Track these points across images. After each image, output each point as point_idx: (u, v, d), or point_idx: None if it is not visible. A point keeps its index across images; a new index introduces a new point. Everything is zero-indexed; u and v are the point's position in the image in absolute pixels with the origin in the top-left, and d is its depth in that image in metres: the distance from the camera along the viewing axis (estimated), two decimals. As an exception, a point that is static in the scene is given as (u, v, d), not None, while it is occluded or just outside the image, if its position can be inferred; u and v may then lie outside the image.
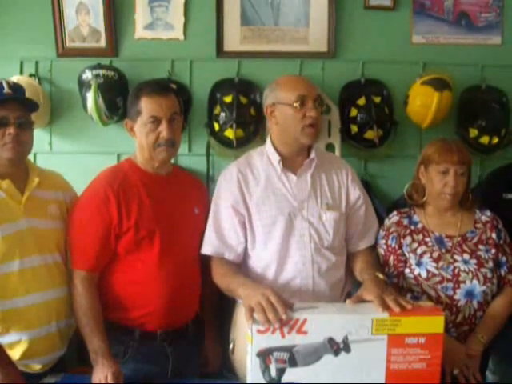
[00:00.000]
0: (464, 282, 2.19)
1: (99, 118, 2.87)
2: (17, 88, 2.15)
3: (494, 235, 2.29)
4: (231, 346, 2.22)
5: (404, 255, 2.28)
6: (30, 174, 2.18)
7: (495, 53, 3.05)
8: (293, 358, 1.78)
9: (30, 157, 2.31)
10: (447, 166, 2.23)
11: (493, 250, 2.26)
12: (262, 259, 2.23)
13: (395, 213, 2.40)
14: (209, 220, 2.29)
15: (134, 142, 2.32)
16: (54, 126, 3.10)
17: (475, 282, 2.19)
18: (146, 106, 2.20)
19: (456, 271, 2.20)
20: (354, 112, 2.94)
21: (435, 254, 2.24)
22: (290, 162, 2.28)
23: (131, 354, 2.20)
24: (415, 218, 2.36)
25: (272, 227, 2.21)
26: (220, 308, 2.48)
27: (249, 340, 1.78)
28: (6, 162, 2.08)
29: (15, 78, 2.85)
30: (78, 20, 3.04)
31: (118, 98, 2.90)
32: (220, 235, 2.25)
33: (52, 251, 2.17)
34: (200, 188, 2.54)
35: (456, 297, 2.18)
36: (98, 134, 3.06)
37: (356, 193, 2.35)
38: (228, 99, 2.92)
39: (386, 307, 1.83)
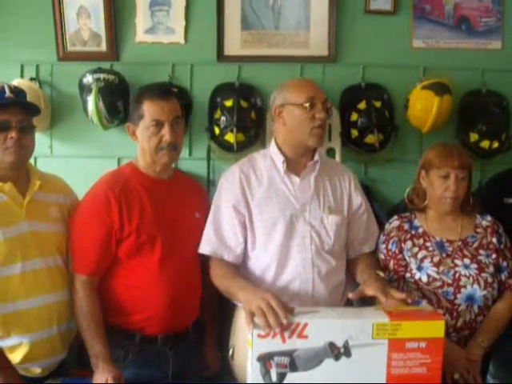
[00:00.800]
0: (465, 286, 2.19)
1: (100, 121, 2.87)
2: (18, 92, 2.15)
3: (494, 240, 2.29)
4: (231, 351, 2.21)
5: (404, 260, 2.28)
6: (31, 178, 2.18)
7: (495, 57, 3.05)
8: (293, 363, 1.78)
9: (31, 160, 2.31)
10: (448, 171, 2.23)
11: (493, 255, 2.26)
12: (262, 260, 2.23)
13: (396, 217, 2.41)
14: (208, 219, 2.29)
15: (134, 145, 2.32)
16: (54, 129, 3.09)
17: (476, 286, 2.19)
18: (149, 109, 2.20)
19: (456, 276, 2.20)
20: (354, 116, 2.94)
21: (436, 259, 2.24)
22: (294, 164, 2.27)
23: (132, 358, 2.19)
24: (416, 222, 2.36)
25: (273, 228, 2.20)
26: (220, 312, 2.48)
27: (249, 344, 1.78)
28: (8, 165, 2.08)
29: (16, 82, 2.83)
30: (79, 24, 3.05)
31: (118, 102, 2.90)
32: (219, 235, 2.25)
33: (53, 254, 2.17)
34: (201, 192, 2.55)
35: (456, 301, 2.18)
36: (99, 137, 3.06)
37: (358, 200, 2.35)
38: (228, 103, 2.92)
39: (388, 297, 1.86)
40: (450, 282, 2.20)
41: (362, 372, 1.80)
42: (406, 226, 2.35)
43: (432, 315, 1.90)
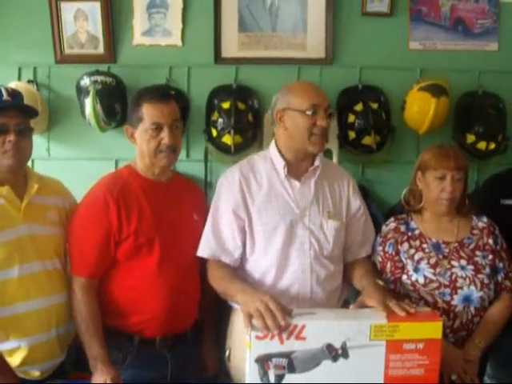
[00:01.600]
0: (461, 287, 2.20)
1: (97, 124, 2.87)
2: (15, 95, 2.15)
3: (490, 241, 2.30)
4: (227, 353, 2.22)
5: (401, 261, 2.29)
6: (29, 181, 2.18)
7: (492, 59, 3.06)
8: (291, 364, 1.79)
9: (28, 163, 2.31)
10: (444, 172, 2.24)
11: (490, 256, 2.27)
12: (261, 265, 2.22)
13: (392, 219, 2.41)
14: (207, 222, 2.28)
15: (132, 148, 2.32)
16: (52, 132, 3.10)
17: (472, 287, 2.20)
18: (148, 112, 2.20)
19: (453, 277, 2.21)
20: (351, 118, 2.94)
21: (432, 260, 2.25)
22: (294, 169, 2.26)
23: (130, 361, 2.20)
24: (412, 224, 2.37)
25: (273, 233, 2.20)
26: (218, 313, 2.48)
27: (247, 346, 1.78)
28: (6, 169, 2.08)
29: (13, 84, 2.84)
30: (76, 26, 3.04)
31: (116, 104, 2.90)
32: (218, 238, 2.24)
33: (51, 257, 2.17)
34: (199, 194, 2.55)
35: (453, 302, 2.19)
36: (96, 139, 3.06)
37: (357, 203, 2.35)
38: (226, 105, 2.92)
39: (389, 312, 1.84)
40: (446, 283, 2.20)
41: (359, 373, 1.81)
42: (403, 228, 2.36)
43: (429, 316, 1.91)
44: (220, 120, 2.92)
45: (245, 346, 1.80)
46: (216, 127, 2.93)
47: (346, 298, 2.37)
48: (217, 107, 2.96)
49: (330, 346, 1.78)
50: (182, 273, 2.26)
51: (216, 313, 2.48)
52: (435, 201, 2.29)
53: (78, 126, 3.06)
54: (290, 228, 2.19)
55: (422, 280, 2.22)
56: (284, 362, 1.79)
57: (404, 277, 2.27)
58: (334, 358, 1.79)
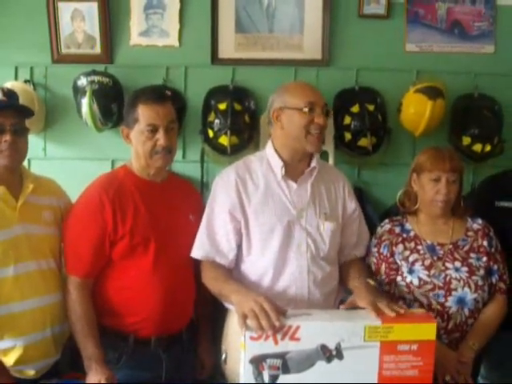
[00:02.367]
0: (455, 289, 2.20)
1: (94, 124, 2.87)
2: (11, 94, 2.16)
3: (485, 243, 2.30)
4: (223, 355, 2.21)
5: (396, 263, 2.29)
6: (24, 181, 2.18)
7: (488, 61, 3.06)
8: (286, 365, 1.79)
9: (25, 163, 2.31)
10: (439, 174, 2.25)
11: (484, 258, 2.28)
12: (259, 266, 2.22)
13: (387, 221, 2.42)
14: (202, 223, 2.27)
15: (128, 148, 2.33)
16: (48, 131, 3.09)
17: (466, 289, 2.20)
18: (144, 113, 2.20)
19: (447, 279, 2.21)
20: (347, 119, 2.94)
21: (427, 262, 2.25)
22: (291, 170, 2.25)
23: (125, 361, 2.20)
24: (407, 225, 2.37)
25: (270, 234, 2.19)
26: (214, 313, 2.48)
27: (242, 347, 1.79)
28: (2, 169, 2.09)
29: (10, 84, 2.84)
30: (73, 26, 3.04)
31: (112, 105, 2.90)
32: (212, 240, 2.24)
33: (46, 257, 2.18)
34: (195, 195, 2.56)
35: (447, 304, 2.19)
36: (93, 140, 3.05)
37: (352, 205, 2.35)
38: (222, 106, 2.92)
39: (379, 313, 1.85)
40: (440, 285, 2.21)
41: (353, 374, 1.81)
42: (398, 230, 2.36)
43: (423, 318, 1.92)
44: (216, 121, 2.91)
45: (240, 347, 1.81)
46: (212, 128, 2.93)
47: (343, 298, 2.37)
48: (213, 108, 2.96)
49: (324, 347, 1.79)
50: (177, 273, 2.27)
51: (212, 312, 2.49)
52: (430, 203, 2.29)
53: (75, 126, 3.05)
54: (287, 229, 2.19)
55: (416, 282, 2.23)
56: (278, 362, 1.79)
57: (399, 278, 2.27)
58: (328, 359, 1.80)
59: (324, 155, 2.96)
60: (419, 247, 2.30)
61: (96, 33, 3.03)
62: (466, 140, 2.90)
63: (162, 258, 2.23)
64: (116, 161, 2.99)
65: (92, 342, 2.12)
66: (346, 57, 3.07)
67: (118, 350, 2.20)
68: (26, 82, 3.03)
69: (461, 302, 2.20)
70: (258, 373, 1.79)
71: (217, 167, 2.95)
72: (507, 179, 2.60)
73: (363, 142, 2.91)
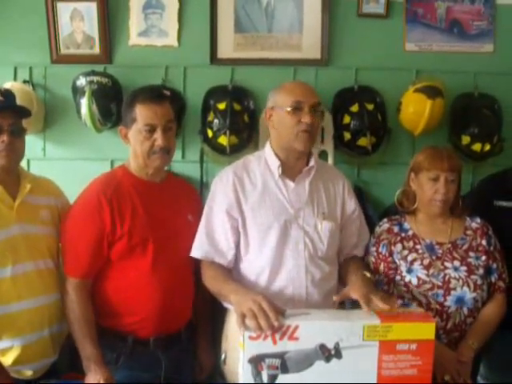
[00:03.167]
0: (454, 288, 2.20)
1: (93, 124, 2.86)
2: (8, 95, 2.15)
3: (484, 242, 2.30)
4: (223, 356, 2.21)
5: (395, 262, 2.29)
6: (21, 181, 2.18)
7: (487, 60, 3.06)
8: (284, 365, 1.79)
9: (24, 163, 2.31)
10: (437, 173, 2.24)
11: (483, 257, 2.28)
12: (256, 265, 2.22)
13: (386, 220, 2.42)
14: (201, 222, 2.27)
15: (127, 148, 2.33)
16: (47, 132, 3.09)
17: (465, 288, 2.20)
18: (141, 113, 2.20)
19: (446, 278, 2.21)
20: (347, 119, 2.94)
21: (426, 261, 2.25)
22: (289, 169, 2.26)
23: (124, 361, 2.20)
24: (406, 225, 2.37)
25: (267, 233, 2.19)
26: (213, 313, 2.48)
27: (241, 346, 1.78)
28: (0, 169, 2.09)
29: (9, 84, 2.85)
30: (72, 26, 3.04)
31: (111, 105, 2.89)
32: (211, 239, 2.23)
33: (44, 257, 2.18)
34: (194, 195, 2.56)
35: (446, 303, 2.19)
36: (92, 140, 3.05)
37: (352, 205, 2.35)
38: (221, 106, 2.92)
39: (370, 306, 1.86)
40: (439, 284, 2.21)
41: (352, 374, 1.81)
42: (396, 229, 2.36)
43: (423, 317, 1.92)
44: (216, 121, 2.91)
45: (239, 346, 1.81)
46: (212, 128, 2.93)
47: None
48: (212, 108, 2.95)
49: (323, 347, 1.79)
50: (175, 273, 2.27)
51: (211, 312, 2.49)
52: (429, 202, 2.29)
53: (74, 127, 3.05)
54: (284, 228, 2.19)
55: (415, 281, 2.22)
56: (277, 362, 1.79)
57: (397, 278, 2.27)
58: (327, 359, 1.79)
59: (323, 155, 2.96)
60: (418, 246, 2.29)
61: (95, 33, 3.03)
62: (466, 139, 2.90)
63: (161, 259, 2.22)
64: (115, 161, 2.98)
65: (90, 343, 2.12)
66: (345, 56, 3.06)
67: (116, 351, 2.20)
68: (25, 82, 3.03)
69: (460, 301, 2.20)
70: (257, 372, 1.78)
71: (216, 167, 2.95)
72: (506, 178, 2.60)
73: (362, 141, 2.91)
